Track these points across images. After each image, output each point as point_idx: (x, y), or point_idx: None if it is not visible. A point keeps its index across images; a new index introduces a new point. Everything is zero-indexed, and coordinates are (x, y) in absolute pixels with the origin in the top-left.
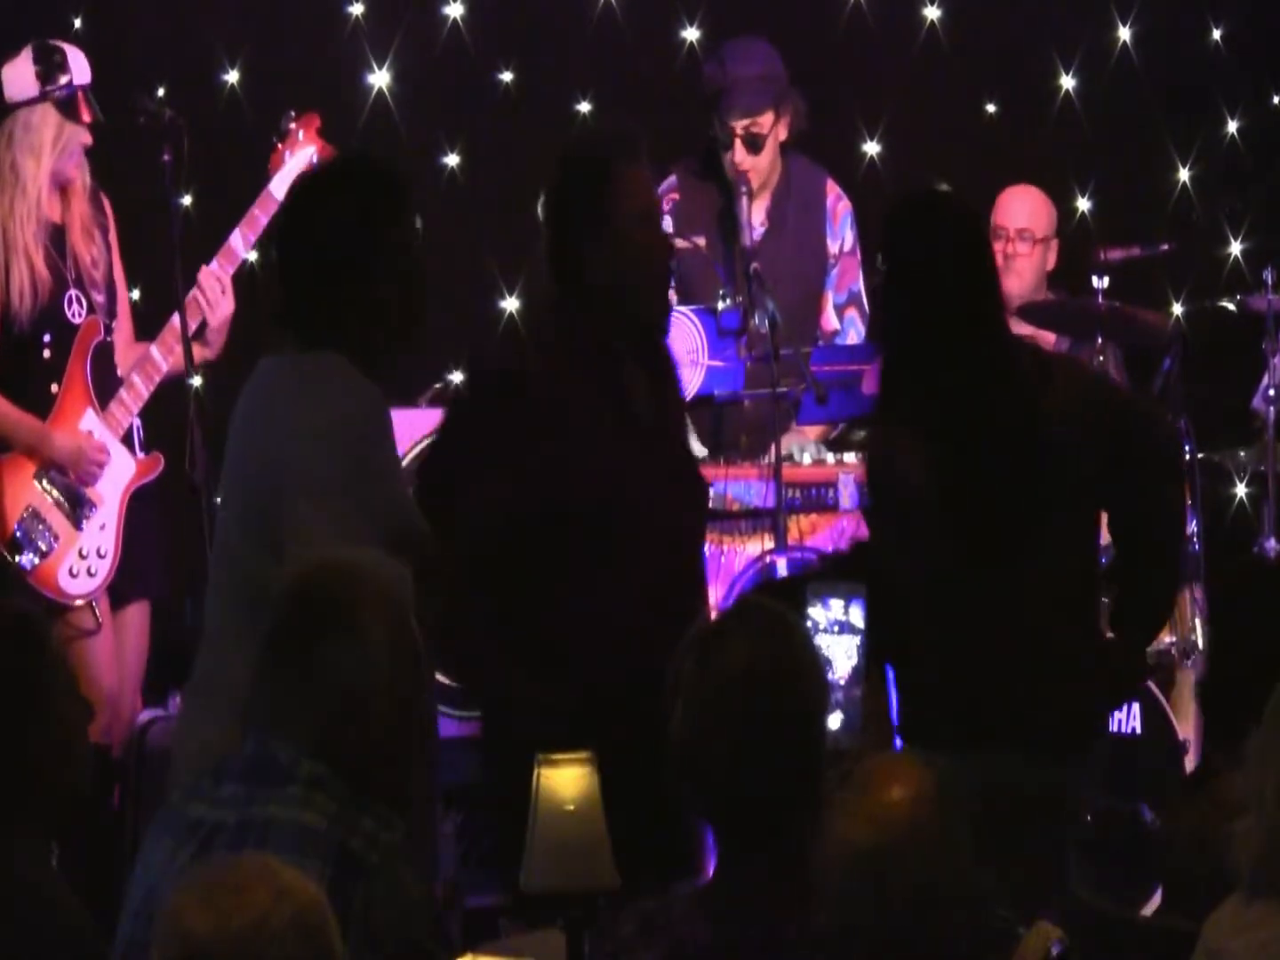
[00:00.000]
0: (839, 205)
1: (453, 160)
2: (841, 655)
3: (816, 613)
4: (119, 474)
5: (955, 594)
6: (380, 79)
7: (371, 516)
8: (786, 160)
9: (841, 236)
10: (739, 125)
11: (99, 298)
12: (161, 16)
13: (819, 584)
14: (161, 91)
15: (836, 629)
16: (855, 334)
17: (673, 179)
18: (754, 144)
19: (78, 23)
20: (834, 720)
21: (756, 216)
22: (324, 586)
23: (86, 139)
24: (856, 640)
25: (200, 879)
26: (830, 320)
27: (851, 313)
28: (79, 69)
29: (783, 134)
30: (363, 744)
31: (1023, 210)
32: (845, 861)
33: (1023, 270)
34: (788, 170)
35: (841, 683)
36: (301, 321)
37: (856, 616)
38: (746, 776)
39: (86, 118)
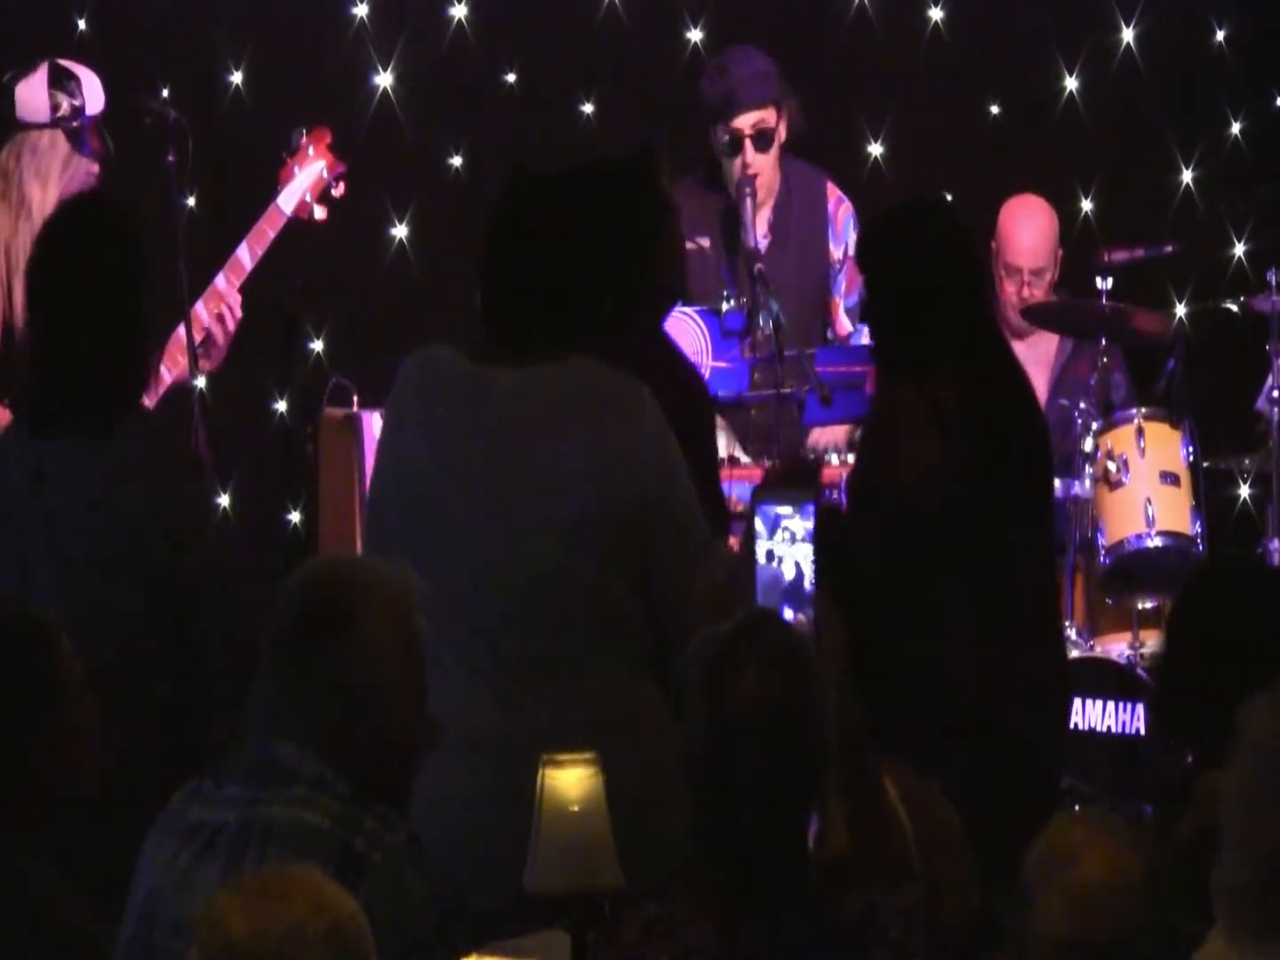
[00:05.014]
0: (840, 209)
1: (457, 161)
2: (798, 559)
3: (759, 523)
4: None
5: (922, 602)
6: (384, 80)
7: None
8: (785, 165)
9: (845, 240)
10: (748, 124)
11: None
12: (165, 17)
13: (764, 492)
14: (166, 92)
15: (787, 537)
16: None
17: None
18: (764, 140)
19: (81, 23)
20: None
21: (760, 227)
22: (325, 587)
23: (94, 169)
24: (807, 548)
25: (245, 883)
26: (843, 324)
27: None
28: (92, 98)
29: (783, 134)
30: (366, 743)
31: (1030, 246)
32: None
33: (1036, 299)
34: (787, 176)
35: (802, 582)
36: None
37: (804, 525)
38: (749, 803)
39: (96, 149)
